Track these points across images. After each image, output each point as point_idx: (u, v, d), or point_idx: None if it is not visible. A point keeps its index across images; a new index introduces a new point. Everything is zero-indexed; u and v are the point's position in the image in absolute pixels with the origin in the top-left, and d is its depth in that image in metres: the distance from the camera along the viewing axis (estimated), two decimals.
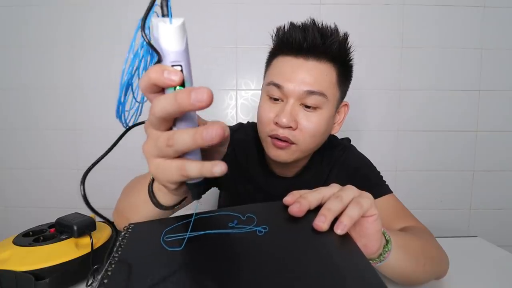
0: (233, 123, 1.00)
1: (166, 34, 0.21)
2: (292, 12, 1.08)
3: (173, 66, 0.22)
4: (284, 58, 0.56)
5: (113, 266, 0.26)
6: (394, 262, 0.38)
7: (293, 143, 0.56)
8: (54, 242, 0.45)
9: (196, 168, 0.24)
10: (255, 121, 0.65)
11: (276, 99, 0.57)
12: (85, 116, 1.13)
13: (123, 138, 0.27)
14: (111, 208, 0.46)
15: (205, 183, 0.30)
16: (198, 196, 0.29)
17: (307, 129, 0.55)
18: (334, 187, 0.33)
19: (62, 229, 0.47)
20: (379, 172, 0.67)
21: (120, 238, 0.30)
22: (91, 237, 0.45)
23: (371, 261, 0.37)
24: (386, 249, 0.37)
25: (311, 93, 0.54)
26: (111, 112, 1.17)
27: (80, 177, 0.25)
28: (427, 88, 1.13)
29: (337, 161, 0.68)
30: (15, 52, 1.10)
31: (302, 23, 0.56)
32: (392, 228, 0.56)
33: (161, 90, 0.24)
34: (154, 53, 0.22)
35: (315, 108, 0.55)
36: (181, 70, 0.22)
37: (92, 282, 0.35)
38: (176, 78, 0.22)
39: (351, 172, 0.66)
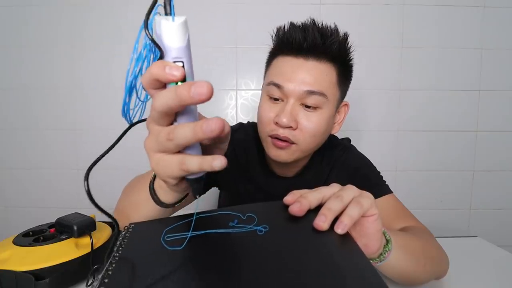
0: (233, 123, 1.00)
1: (169, 31, 0.22)
2: (292, 12, 1.08)
3: (175, 62, 0.23)
4: (284, 58, 0.56)
5: (113, 265, 0.26)
6: (395, 262, 0.38)
7: (293, 143, 0.56)
8: (54, 242, 0.44)
9: (197, 162, 0.24)
10: (255, 121, 0.65)
11: (276, 99, 0.57)
12: (85, 116, 1.13)
13: (123, 139, 0.28)
14: (112, 208, 0.46)
15: (206, 181, 0.30)
16: (198, 192, 0.29)
17: (307, 129, 0.55)
18: (334, 187, 0.33)
19: (62, 229, 0.47)
20: (379, 172, 0.67)
21: (120, 238, 0.30)
22: (91, 237, 0.45)
23: (371, 261, 0.37)
24: (387, 249, 0.37)
25: (311, 93, 0.54)
26: (111, 112, 1.18)
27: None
28: (427, 88, 1.13)
29: (337, 161, 0.68)
30: (15, 52, 1.10)
31: (302, 23, 0.56)
32: (392, 228, 0.56)
33: (163, 86, 0.24)
34: (157, 52, 0.23)
35: (315, 108, 0.55)
36: (183, 66, 0.23)
37: (92, 282, 0.35)
38: (177, 73, 0.22)
39: (351, 172, 0.66)
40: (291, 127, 0.54)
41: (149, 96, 0.26)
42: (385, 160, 1.16)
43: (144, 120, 0.28)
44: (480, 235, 0.77)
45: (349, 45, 0.57)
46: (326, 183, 0.50)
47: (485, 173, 1.17)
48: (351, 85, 0.63)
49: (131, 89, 0.25)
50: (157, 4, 0.22)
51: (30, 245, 0.44)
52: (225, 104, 1.14)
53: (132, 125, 0.28)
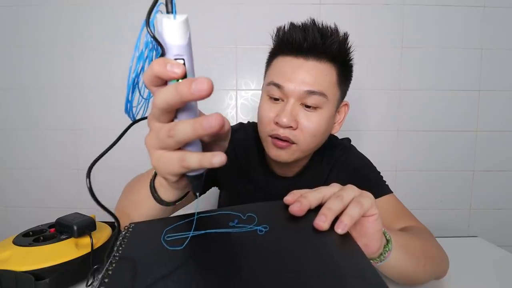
0: (233, 123, 1.00)
1: (170, 28, 0.22)
2: (292, 12, 1.08)
3: (176, 59, 0.23)
4: (284, 58, 0.56)
5: (114, 265, 0.26)
6: (395, 261, 0.38)
7: (293, 143, 0.56)
8: (54, 242, 0.45)
9: (196, 159, 0.25)
10: (255, 121, 0.65)
11: (276, 99, 0.57)
12: (85, 116, 1.13)
13: (124, 139, 0.28)
14: (111, 208, 0.46)
15: (206, 181, 0.30)
16: (198, 189, 0.29)
17: (308, 128, 0.55)
18: (334, 187, 0.33)
19: (62, 229, 0.47)
20: (379, 172, 0.67)
21: (120, 238, 0.30)
22: (91, 237, 0.45)
23: (371, 261, 0.37)
24: (387, 249, 0.37)
25: (311, 93, 0.54)
26: (111, 112, 1.18)
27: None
28: (427, 88, 1.13)
29: (337, 161, 0.68)
30: (15, 52, 1.10)
31: (302, 23, 0.56)
32: (392, 228, 0.56)
33: (165, 83, 0.24)
34: (159, 50, 0.23)
35: (315, 108, 0.55)
36: (184, 64, 0.23)
37: (92, 282, 0.35)
38: (178, 70, 0.22)
39: (351, 172, 0.66)
40: (291, 127, 0.54)
41: (151, 94, 0.26)
42: (385, 160, 1.16)
43: (147, 118, 0.28)
44: (480, 235, 0.77)
45: (349, 45, 0.57)
46: (326, 183, 0.50)
47: (485, 173, 1.17)
48: (351, 85, 0.63)
49: (133, 87, 0.25)
50: (158, 3, 0.22)
51: (30, 245, 0.44)
52: (225, 104, 1.14)
53: (134, 122, 0.28)
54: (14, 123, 1.13)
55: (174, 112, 0.25)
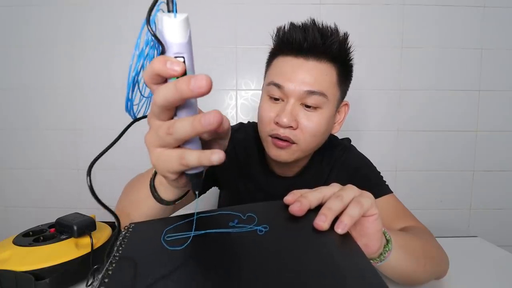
0: (233, 123, 1.00)
1: (170, 27, 0.22)
2: (292, 12, 1.08)
3: (176, 57, 0.23)
4: (285, 58, 0.56)
5: (114, 265, 0.26)
6: (395, 261, 0.38)
7: (293, 143, 0.56)
8: (54, 242, 0.45)
9: (195, 156, 0.25)
10: (256, 121, 0.65)
11: (276, 99, 0.57)
12: (85, 116, 1.13)
13: (124, 139, 0.28)
14: (112, 207, 0.46)
15: (206, 180, 0.30)
16: (198, 187, 0.29)
17: (308, 128, 0.55)
18: (334, 187, 0.33)
19: (62, 229, 0.47)
20: (379, 172, 0.67)
21: (120, 238, 0.30)
22: (91, 237, 0.45)
23: (371, 261, 0.37)
24: (387, 249, 0.37)
25: (311, 93, 0.54)
26: (111, 112, 1.18)
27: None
28: (427, 88, 1.13)
29: (337, 161, 0.68)
30: (15, 52, 1.10)
31: (302, 23, 0.56)
32: (392, 228, 0.56)
33: (164, 81, 0.24)
34: (159, 49, 0.23)
35: (315, 108, 0.55)
36: (184, 62, 0.23)
37: (92, 282, 0.35)
38: (178, 68, 0.22)
39: (351, 172, 0.66)
40: (291, 126, 0.55)
41: (152, 92, 0.26)
42: (385, 160, 1.16)
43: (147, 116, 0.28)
44: (480, 235, 0.77)
45: (349, 45, 0.57)
46: (326, 183, 0.50)
47: (485, 173, 1.17)
48: (351, 85, 0.63)
49: (133, 85, 0.25)
50: (159, 2, 0.22)
51: (30, 245, 0.44)
52: (225, 104, 1.14)
53: (135, 120, 0.28)
54: (14, 123, 1.13)
55: (174, 110, 0.25)
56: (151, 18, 0.22)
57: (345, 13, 1.10)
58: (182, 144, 0.26)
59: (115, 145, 0.27)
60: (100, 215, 0.52)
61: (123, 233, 0.31)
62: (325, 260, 0.24)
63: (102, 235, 0.49)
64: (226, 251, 0.26)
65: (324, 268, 0.24)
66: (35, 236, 0.47)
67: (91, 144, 1.13)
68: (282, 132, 0.55)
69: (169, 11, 0.22)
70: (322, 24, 0.55)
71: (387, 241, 0.38)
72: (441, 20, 1.10)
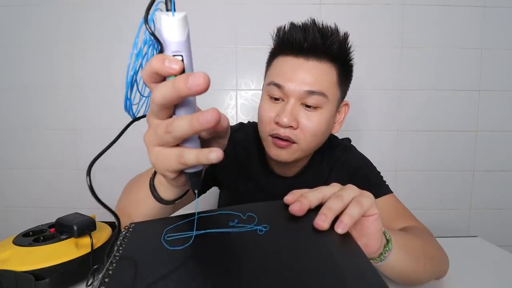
0: (233, 123, 1.00)
1: (168, 25, 0.22)
2: (292, 12, 1.08)
3: (174, 56, 0.23)
4: (285, 58, 0.56)
5: (114, 265, 0.26)
6: (395, 261, 0.38)
7: (294, 142, 0.56)
8: (54, 242, 0.45)
9: (194, 155, 0.25)
10: (256, 121, 0.65)
11: (276, 99, 0.57)
12: (85, 116, 1.13)
13: (123, 139, 0.28)
14: (112, 207, 0.46)
15: (206, 180, 0.30)
16: (197, 186, 0.29)
17: (308, 128, 0.55)
18: (334, 187, 0.33)
19: (62, 229, 0.47)
20: (379, 172, 0.67)
21: (121, 237, 0.30)
22: (91, 237, 0.45)
23: (371, 261, 0.37)
24: (387, 249, 0.37)
25: (311, 93, 0.54)
26: (111, 112, 1.18)
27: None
28: (427, 88, 1.13)
29: (337, 161, 0.68)
30: (15, 52, 1.10)
31: (302, 23, 0.56)
32: (392, 228, 0.56)
33: (163, 80, 0.24)
34: (158, 48, 0.23)
35: (315, 107, 0.55)
36: (182, 60, 0.23)
37: (92, 282, 0.35)
38: (176, 66, 0.22)
39: (351, 172, 0.66)
40: (291, 126, 0.55)
41: (150, 91, 0.26)
42: (385, 160, 1.16)
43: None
44: (480, 235, 0.77)
45: (349, 45, 0.57)
46: (326, 183, 0.50)
47: (485, 173, 1.17)
48: (351, 85, 0.63)
49: (132, 84, 0.25)
50: (157, 1, 0.22)
51: (30, 245, 0.44)
52: (225, 104, 1.14)
53: (135, 119, 0.28)
54: (14, 123, 1.13)
55: (172, 108, 0.25)
56: (149, 17, 0.22)
57: (345, 13, 1.10)
58: (181, 143, 0.26)
59: (114, 145, 0.27)
60: (100, 215, 0.52)
61: (123, 233, 0.31)
62: (325, 260, 0.24)
63: (102, 235, 0.49)
64: (226, 251, 0.26)
65: (324, 268, 0.24)
66: (35, 236, 0.47)
67: (91, 144, 1.13)
68: (283, 132, 0.55)
69: (168, 10, 0.23)
70: (322, 24, 0.55)
71: (387, 241, 0.38)
72: (441, 20, 1.10)
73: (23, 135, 1.13)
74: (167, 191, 0.36)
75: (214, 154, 0.24)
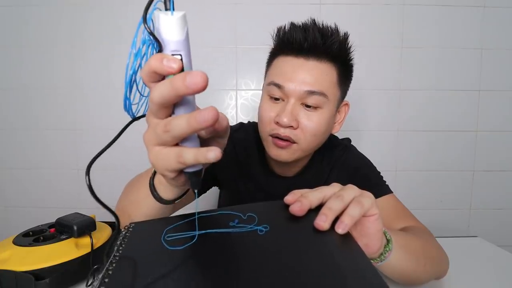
0: (233, 123, 1.00)
1: (167, 24, 0.22)
2: (292, 12, 1.08)
3: (173, 55, 0.23)
4: (285, 58, 0.56)
5: (114, 265, 0.26)
6: (395, 261, 0.38)
7: (294, 142, 0.56)
8: (54, 242, 0.45)
9: (192, 154, 0.25)
10: (256, 121, 0.65)
11: (277, 99, 0.57)
12: (85, 116, 1.13)
13: (123, 139, 0.28)
14: (111, 207, 0.46)
15: (206, 180, 0.30)
16: (197, 186, 0.29)
17: (308, 128, 0.55)
18: (335, 187, 0.33)
19: (62, 229, 0.47)
20: (379, 172, 0.67)
21: (120, 237, 0.30)
22: (91, 237, 0.45)
23: (372, 261, 0.37)
24: (387, 249, 0.37)
25: (311, 93, 0.54)
26: (111, 112, 1.18)
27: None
28: (427, 88, 1.13)
29: (338, 161, 0.68)
30: (15, 52, 1.10)
31: (302, 23, 0.56)
32: (392, 228, 0.56)
33: (162, 79, 0.24)
34: (157, 47, 0.23)
35: (315, 107, 0.55)
36: (181, 59, 0.23)
37: (92, 282, 0.35)
38: (175, 65, 0.22)
39: (351, 172, 0.66)
40: (291, 126, 0.55)
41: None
42: (385, 160, 1.16)
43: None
44: (480, 235, 0.77)
45: (349, 45, 0.57)
46: (326, 183, 0.50)
47: (485, 173, 1.17)
48: (351, 85, 0.63)
49: (131, 84, 0.25)
50: (156, 0, 0.22)
51: (30, 245, 0.44)
52: (225, 104, 1.14)
53: (134, 119, 0.28)
54: (14, 123, 1.13)
55: (171, 107, 0.25)
56: (148, 16, 0.22)
57: (345, 13, 1.10)
58: (180, 142, 0.26)
59: (114, 145, 0.27)
60: (100, 215, 0.52)
61: (123, 232, 0.31)
62: (326, 260, 0.24)
63: (102, 235, 0.49)
64: (226, 251, 0.26)
65: (324, 268, 0.24)
66: (35, 236, 0.47)
67: (91, 144, 1.13)
68: (283, 132, 0.55)
69: (167, 9, 0.23)
70: (323, 24, 0.55)
71: (388, 241, 0.38)
72: (441, 20, 1.10)
73: (23, 135, 1.13)
74: (166, 191, 0.36)
75: (212, 153, 0.24)
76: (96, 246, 0.45)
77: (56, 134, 1.13)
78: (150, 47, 0.24)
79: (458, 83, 1.13)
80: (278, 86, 0.55)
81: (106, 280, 0.24)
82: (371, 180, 0.64)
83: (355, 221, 0.30)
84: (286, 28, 0.57)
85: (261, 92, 0.62)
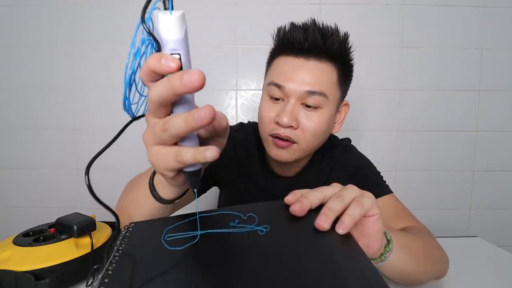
0: (233, 123, 1.00)
1: (165, 23, 0.22)
2: (292, 12, 1.08)
3: (172, 54, 0.23)
4: (285, 58, 0.56)
5: (113, 265, 0.26)
6: (395, 262, 0.38)
7: (294, 142, 0.56)
8: (54, 242, 0.45)
9: (191, 153, 0.25)
10: (256, 121, 0.65)
11: (277, 99, 0.57)
12: (85, 116, 1.13)
13: (122, 139, 0.28)
14: (111, 207, 0.46)
15: (206, 180, 0.30)
16: (196, 185, 0.29)
17: (308, 128, 0.55)
18: (335, 187, 0.33)
19: (62, 229, 0.47)
20: (379, 172, 0.67)
21: (120, 237, 0.30)
22: (91, 237, 0.45)
23: (372, 261, 0.37)
24: (388, 249, 0.37)
25: (311, 93, 0.54)
26: (111, 112, 1.18)
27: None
28: (427, 88, 1.13)
29: (338, 161, 0.68)
30: (15, 52, 1.10)
31: (303, 23, 0.56)
32: (392, 228, 0.56)
33: (161, 78, 0.24)
34: (155, 47, 0.23)
35: (316, 107, 0.55)
36: (180, 59, 0.23)
37: (92, 282, 0.35)
38: (173, 64, 0.22)
39: (351, 172, 0.66)
40: (291, 126, 0.55)
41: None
42: (385, 160, 1.16)
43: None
44: (480, 235, 0.77)
45: (349, 45, 0.57)
46: (327, 183, 0.50)
47: (485, 173, 1.17)
48: (351, 85, 0.63)
49: (130, 83, 0.25)
50: (155, 0, 0.22)
51: (30, 245, 0.44)
52: (225, 104, 1.14)
53: (134, 119, 0.28)
54: (14, 123, 1.13)
55: (170, 106, 0.25)
56: (146, 15, 0.22)
57: (345, 13, 1.09)
58: (179, 141, 0.26)
59: (114, 145, 0.27)
60: (100, 215, 0.52)
61: (123, 232, 0.31)
62: (326, 261, 0.24)
63: (102, 235, 0.49)
64: (226, 251, 0.26)
65: (325, 268, 0.23)
66: (35, 236, 0.47)
67: (91, 144, 1.13)
68: (283, 132, 0.55)
69: (165, 8, 0.23)
70: (323, 24, 0.55)
71: (388, 241, 0.37)
72: (441, 20, 1.10)
73: (23, 135, 1.13)
74: (166, 191, 0.36)
75: (210, 153, 0.24)
76: (96, 246, 0.45)
77: (56, 134, 1.13)
78: (149, 46, 0.24)
79: (458, 83, 1.13)
80: (278, 86, 0.55)
81: (106, 280, 0.24)
82: (371, 180, 0.64)
83: (355, 222, 0.30)
84: (286, 28, 0.57)
85: (261, 92, 0.62)
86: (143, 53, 0.24)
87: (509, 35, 1.11)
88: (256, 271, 0.24)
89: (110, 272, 0.25)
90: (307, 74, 0.54)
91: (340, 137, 0.74)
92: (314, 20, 0.55)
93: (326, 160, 0.68)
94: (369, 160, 0.69)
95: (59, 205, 1.15)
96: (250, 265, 0.24)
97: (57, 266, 0.41)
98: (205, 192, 0.70)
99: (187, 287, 0.23)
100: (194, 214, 0.31)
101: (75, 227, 0.45)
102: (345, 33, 0.56)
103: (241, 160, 0.68)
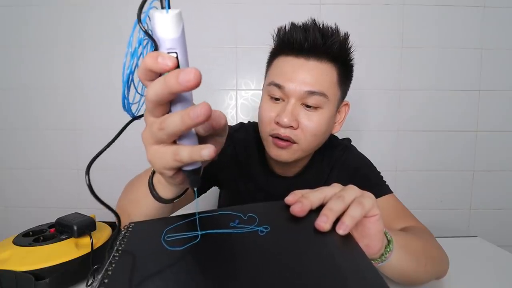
0: (233, 123, 1.00)
1: (162, 22, 0.22)
2: (292, 12, 1.08)
3: (169, 53, 0.23)
4: (285, 58, 0.56)
5: (113, 265, 0.26)
6: (396, 262, 0.38)
7: (294, 142, 0.56)
8: (54, 242, 0.45)
9: (188, 152, 0.25)
10: (256, 121, 0.65)
11: (277, 99, 0.57)
12: (85, 116, 1.13)
13: (122, 139, 0.28)
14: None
15: (206, 179, 0.30)
16: (195, 184, 0.29)
17: (308, 128, 0.55)
18: (336, 187, 0.33)
19: (62, 229, 0.47)
20: (379, 172, 0.67)
21: (120, 237, 0.30)
22: (91, 237, 0.45)
23: (372, 261, 0.37)
24: (388, 249, 0.37)
25: (312, 93, 0.54)
26: (111, 112, 1.18)
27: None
28: (427, 88, 1.13)
29: (338, 161, 0.68)
30: (15, 52, 1.10)
31: (303, 23, 0.56)
32: (392, 228, 0.56)
33: (159, 77, 0.24)
34: (153, 46, 0.23)
35: (316, 108, 0.55)
36: (177, 57, 0.23)
37: (92, 282, 0.35)
38: (170, 63, 0.22)
39: (351, 172, 0.66)
40: (292, 126, 0.55)
41: None
42: (385, 160, 1.16)
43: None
44: (480, 235, 0.78)
45: (349, 45, 0.57)
46: (327, 183, 0.50)
47: (485, 173, 1.17)
48: (351, 85, 0.63)
49: (128, 83, 0.25)
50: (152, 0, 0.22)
51: (30, 245, 0.44)
52: (225, 104, 1.14)
53: (134, 118, 0.28)
54: (14, 123, 1.13)
55: (167, 105, 0.25)
56: (143, 15, 0.22)
57: (345, 13, 1.09)
58: (178, 140, 0.26)
59: (113, 145, 0.27)
60: (100, 215, 0.52)
61: (123, 232, 0.31)
62: (326, 261, 0.24)
63: (102, 235, 0.49)
64: (226, 252, 0.26)
65: (325, 269, 0.23)
66: (35, 236, 0.47)
67: (91, 144, 1.13)
68: (283, 132, 0.55)
69: (162, 8, 0.22)
70: (323, 24, 0.55)
71: (388, 241, 0.37)
72: (441, 20, 1.10)
73: (23, 135, 1.13)
74: (165, 190, 0.36)
75: (206, 151, 0.24)
76: (96, 246, 0.45)
77: (56, 134, 1.13)
78: (147, 46, 0.24)
79: (458, 83, 1.13)
80: (279, 86, 0.55)
81: (106, 280, 0.24)
82: (371, 180, 0.64)
83: (356, 222, 0.30)
84: (287, 28, 0.57)
85: (261, 92, 0.62)
86: (141, 53, 0.24)
87: (509, 35, 1.11)
88: (256, 272, 0.24)
89: (109, 272, 0.25)
90: (307, 74, 0.54)
91: (340, 137, 0.74)
92: (314, 20, 0.55)
93: (326, 160, 0.68)
94: (369, 160, 0.69)
95: (59, 205, 1.15)
96: (250, 266, 0.24)
97: (57, 266, 0.42)
98: (205, 192, 0.70)
99: (187, 287, 0.23)
100: (194, 214, 0.31)
101: (75, 227, 0.45)
102: (345, 33, 0.56)
103: (241, 160, 0.68)
